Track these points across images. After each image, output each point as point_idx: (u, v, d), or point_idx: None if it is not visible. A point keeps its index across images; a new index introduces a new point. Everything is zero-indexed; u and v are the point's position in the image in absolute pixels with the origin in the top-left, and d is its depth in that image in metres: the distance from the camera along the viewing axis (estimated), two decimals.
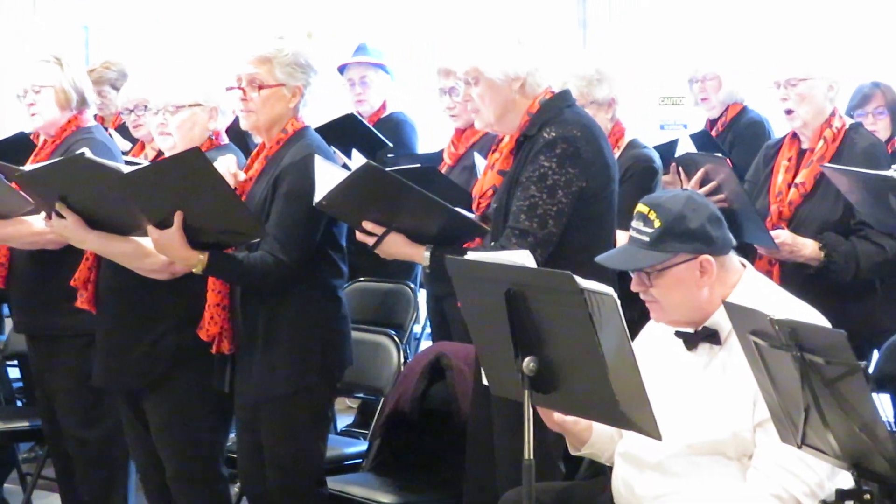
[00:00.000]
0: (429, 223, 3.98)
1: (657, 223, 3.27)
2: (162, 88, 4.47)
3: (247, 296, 4.23)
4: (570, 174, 3.87)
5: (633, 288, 3.33)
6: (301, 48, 4.29)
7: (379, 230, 3.99)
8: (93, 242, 4.27)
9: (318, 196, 3.97)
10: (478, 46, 3.98)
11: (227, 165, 4.26)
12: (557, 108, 3.99)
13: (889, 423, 2.69)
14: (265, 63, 4.21)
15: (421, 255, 3.99)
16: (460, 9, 8.57)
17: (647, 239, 3.29)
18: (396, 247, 4.02)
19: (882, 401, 5.51)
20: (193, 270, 4.06)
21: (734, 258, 3.39)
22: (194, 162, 3.94)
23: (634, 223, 3.33)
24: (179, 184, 3.97)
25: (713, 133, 6.18)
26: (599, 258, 3.40)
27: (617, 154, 4.97)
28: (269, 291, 4.17)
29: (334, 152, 5.43)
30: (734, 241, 3.39)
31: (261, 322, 4.20)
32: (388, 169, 4.28)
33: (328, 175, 4.01)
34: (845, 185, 4.36)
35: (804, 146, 4.79)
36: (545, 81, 4.01)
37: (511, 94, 3.98)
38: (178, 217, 3.98)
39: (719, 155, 4.89)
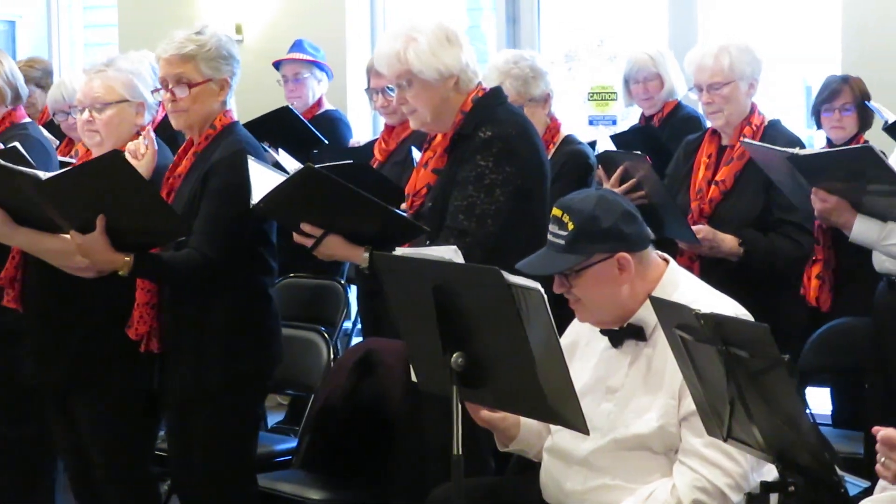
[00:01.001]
0: (368, 225, 3.97)
1: (571, 226, 3.29)
2: (88, 86, 4.43)
3: (175, 294, 4.21)
4: (507, 173, 3.89)
5: (556, 290, 3.35)
6: (222, 40, 4.27)
7: (317, 232, 3.97)
8: (20, 239, 4.22)
9: (255, 199, 3.95)
10: (408, 48, 3.96)
11: (133, 147, 4.24)
12: (491, 105, 4.00)
13: (811, 414, 2.71)
14: (189, 61, 4.19)
15: (360, 257, 3.98)
16: (390, 9, 8.63)
17: (562, 242, 3.30)
18: (335, 248, 4.00)
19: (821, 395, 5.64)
20: (119, 272, 4.02)
21: (653, 254, 3.42)
22: (114, 164, 3.91)
23: (551, 227, 3.35)
24: (100, 187, 3.93)
25: (646, 126, 6.20)
26: (520, 265, 3.40)
27: (553, 150, 5.01)
28: (197, 289, 4.15)
29: (266, 149, 5.42)
30: (652, 236, 3.41)
31: (190, 320, 4.18)
32: (320, 166, 4.26)
33: (263, 176, 3.99)
34: (765, 161, 4.40)
35: (724, 143, 4.84)
36: (476, 77, 4.03)
37: (446, 93, 3.99)
38: (100, 221, 3.95)
39: (638, 152, 4.91)
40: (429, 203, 4.04)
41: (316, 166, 4.07)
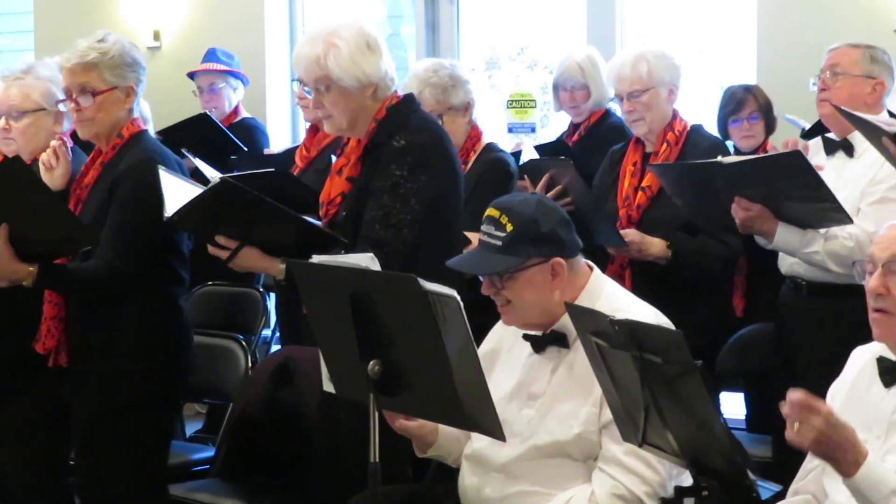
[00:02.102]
0: (284, 236, 3.95)
1: (509, 227, 3.29)
2: (5, 93, 4.39)
3: (83, 306, 4.16)
4: (422, 182, 3.88)
5: (484, 291, 3.35)
6: (125, 47, 4.23)
7: (232, 244, 3.94)
8: None
9: (168, 211, 3.91)
10: (328, 54, 3.93)
11: (45, 158, 4.19)
12: (404, 113, 3.99)
13: (724, 419, 2.73)
14: (92, 69, 4.16)
15: (276, 268, 3.96)
16: (310, 15, 8.59)
17: (498, 243, 3.30)
18: (251, 260, 3.98)
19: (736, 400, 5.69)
20: (24, 283, 3.97)
21: (581, 261, 3.44)
22: (13, 172, 3.86)
23: (485, 227, 3.35)
24: (1, 195, 3.88)
25: (574, 137, 6.21)
26: (451, 262, 3.41)
27: (474, 157, 5.01)
28: (105, 301, 4.11)
29: (185, 154, 5.38)
30: (581, 244, 3.43)
31: (98, 334, 4.15)
32: (241, 173, 4.24)
33: (175, 187, 3.96)
34: (671, 186, 4.44)
35: (648, 150, 4.87)
36: (392, 84, 4.02)
37: (364, 101, 3.97)
38: (2, 230, 3.90)
39: (563, 158, 4.93)
40: (343, 212, 4.02)
41: (236, 174, 4.05)
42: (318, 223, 4.05)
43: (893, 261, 3.06)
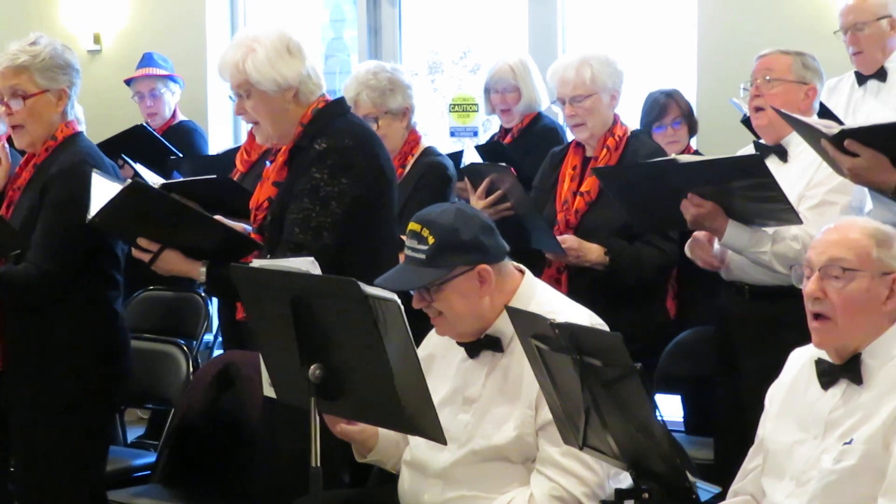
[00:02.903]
0: (204, 240, 3.96)
1: (431, 240, 3.29)
2: None
3: (17, 311, 4.13)
4: (342, 184, 3.86)
5: (415, 305, 3.34)
6: (57, 49, 4.21)
7: (154, 247, 3.95)
8: None
9: (91, 213, 3.90)
10: (246, 59, 3.92)
11: None
12: (330, 117, 3.97)
13: (663, 421, 2.75)
14: (23, 72, 4.13)
15: (197, 271, 3.98)
16: (251, 18, 8.57)
17: (423, 256, 3.30)
18: (172, 263, 3.99)
19: (674, 402, 5.72)
20: None
21: (510, 265, 3.44)
22: None
23: (408, 241, 3.35)
24: None
25: (507, 139, 6.24)
26: (378, 281, 3.40)
27: (412, 161, 5.00)
28: (38, 305, 4.08)
29: (126, 160, 5.35)
30: (507, 248, 3.43)
31: (32, 337, 4.11)
32: (183, 179, 4.23)
33: (105, 191, 3.95)
34: (615, 188, 4.46)
35: (588, 154, 4.89)
36: (318, 89, 4.00)
37: (285, 105, 3.95)
38: None
39: (503, 164, 4.94)
40: (269, 217, 4.02)
41: (178, 181, 4.04)
42: (234, 224, 4.05)
43: (830, 265, 3.09)
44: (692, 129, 5.78)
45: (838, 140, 3.64)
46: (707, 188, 4.12)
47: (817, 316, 3.11)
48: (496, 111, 6.33)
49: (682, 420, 5.72)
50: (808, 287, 3.12)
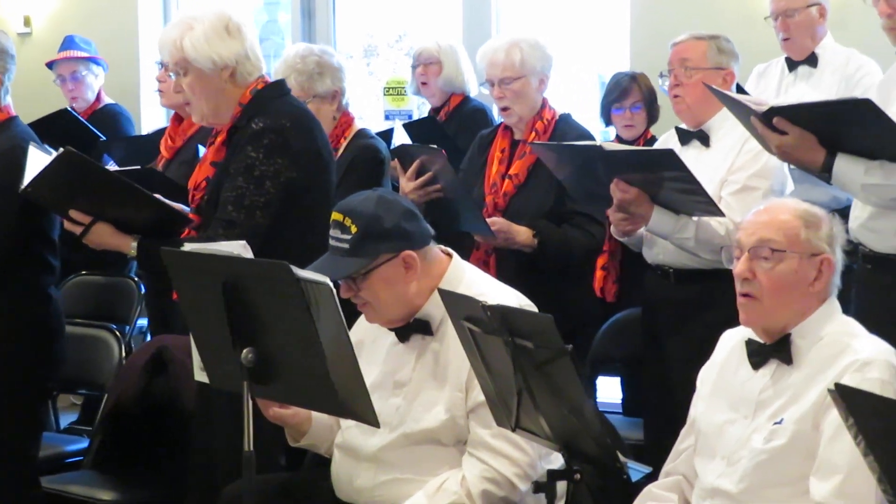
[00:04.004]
0: (136, 214, 3.94)
1: (353, 229, 3.29)
2: None
3: None
4: (277, 164, 3.86)
5: (343, 295, 3.33)
6: None
7: (86, 219, 3.92)
8: None
9: (24, 182, 3.88)
10: (184, 36, 3.93)
11: None
12: (269, 98, 3.97)
13: (595, 402, 2.77)
14: None
15: (128, 246, 3.96)
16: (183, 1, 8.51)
17: (346, 246, 3.30)
18: (104, 237, 3.96)
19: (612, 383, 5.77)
20: None
21: (436, 249, 3.44)
22: None
23: (332, 232, 3.34)
24: None
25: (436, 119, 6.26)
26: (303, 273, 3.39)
27: (344, 144, 4.98)
28: None
29: (50, 150, 5.31)
30: (432, 232, 3.43)
31: None
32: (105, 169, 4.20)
33: (39, 162, 3.92)
34: (553, 162, 4.48)
35: (517, 137, 4.90)
36: (256, 70, 4.00)
37: (221, 84, 3.95)
38: None
39: (434, 146, 4.94)
40: (206, 196, 4.01)
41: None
42: (166, 200, 4.03)
43: (759, 246, 3.12)
44: (652, 116, 5.77)
45: (767, 117, 3.67)
46: (635, 175, 4.15)
47: (746, 295, 3.14)
48: (418, 84, 6.39)
49: (620, 402, 5.76)
50: (738, 268, 3.15)
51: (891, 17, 3.83)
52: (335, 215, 3.34)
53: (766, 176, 4.25)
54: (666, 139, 4.61)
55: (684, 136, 4.46)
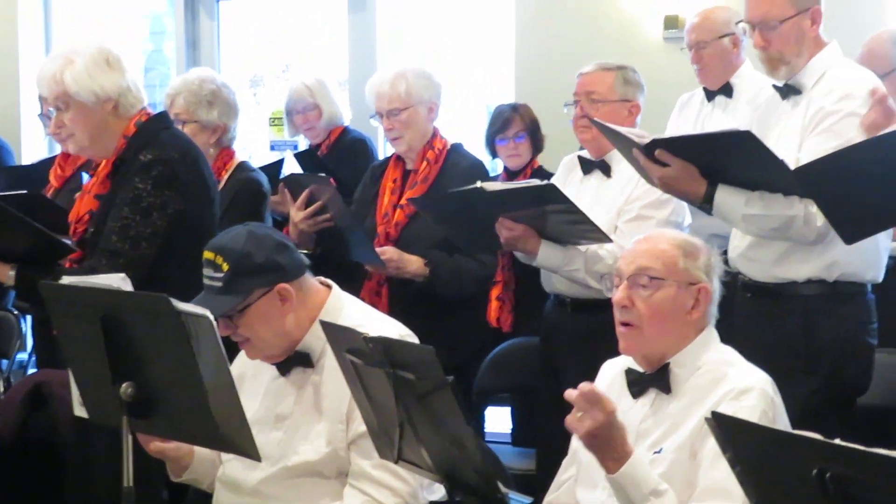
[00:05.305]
0: (15, 242, 3.89)
1: (225, 267, 3.26)
2: None
3: None
4: (165, 196, 3.84)
5: (222, 333, 3.29)
6: None
7: None
8: None
9: None
10: (65, 70, 3.89)
11: None
12: (155, 130, 3.95)
13: (475, 433, 2.77)
14: None
15: (5, 274, 3.91)
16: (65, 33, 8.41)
17: (219, 284, 3.27)
18: None
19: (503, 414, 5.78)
20: None
21: (312, 280, 3.43)
22: None
23: (205, 270, 3.31)
24: None
25: (318, 154, 6.26)
26: None
27: (225, 177, 4.94)
28: None
29: None
30: (307, 262, 3.42)
31: None
32: None
33: None
34: (435, 213, 4.49)
35: (409, 167, 4.91)
36: (139, 102, 3.98)
37: (104, 117, 3.93)
38: None
39: (323, 175, 4.93)
40: (91, 229, 3.96)
41: None
42: (47, 230, 3.98)
43: (637, 274, 3.16)
44: (536, 145, 5.81)
45: (649, 150, 3.72)
46: (520, 212, 4.18)
47: (625, 324, 3.17)
48: (300, 131, 6.41)
49: (510, 432, 5.77)
50: (617, 296, 3.18)
51: (765, 49, 3.92)
52: (206, 254, 3.31)
53: (661, 207, 4.32)
54: (568, 163, 4.63)
55: (586, 166, 4.50)
